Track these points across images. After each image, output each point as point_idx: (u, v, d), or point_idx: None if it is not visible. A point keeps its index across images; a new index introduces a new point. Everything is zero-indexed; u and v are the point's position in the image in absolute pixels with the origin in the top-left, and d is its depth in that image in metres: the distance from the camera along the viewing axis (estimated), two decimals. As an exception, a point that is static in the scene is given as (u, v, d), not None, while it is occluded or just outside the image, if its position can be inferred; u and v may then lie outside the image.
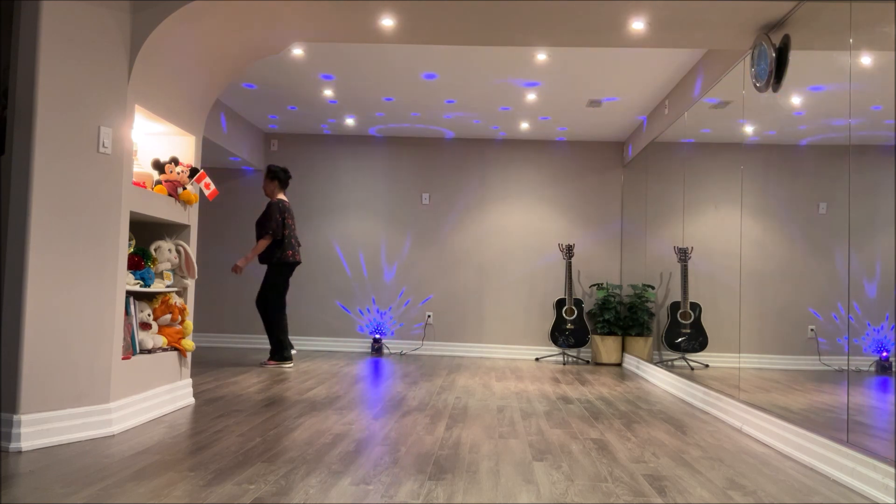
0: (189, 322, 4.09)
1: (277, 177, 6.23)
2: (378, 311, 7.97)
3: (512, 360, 7.60)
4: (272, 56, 5.27)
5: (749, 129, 4.17)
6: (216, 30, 3.80)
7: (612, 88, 5.94)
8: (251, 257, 6.03)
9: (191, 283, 4.15)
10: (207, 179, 4.12)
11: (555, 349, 7.78)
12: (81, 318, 3.20)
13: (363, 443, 3.26)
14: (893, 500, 2.47)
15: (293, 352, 6.29)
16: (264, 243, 5.99)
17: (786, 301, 3.63)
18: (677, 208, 5.50)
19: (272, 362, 6.13)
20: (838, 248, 3.05)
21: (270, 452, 3.01)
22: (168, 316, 3.90)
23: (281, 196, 6.24)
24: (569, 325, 7.48)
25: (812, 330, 3.35)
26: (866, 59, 2.89)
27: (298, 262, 6.18)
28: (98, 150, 3.27)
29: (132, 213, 3.53)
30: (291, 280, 7.96)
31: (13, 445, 2.93)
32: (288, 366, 6.15)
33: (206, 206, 7.99)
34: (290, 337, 7.75)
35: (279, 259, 6.05)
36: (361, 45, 5.12)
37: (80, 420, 3.16)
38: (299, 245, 6.25)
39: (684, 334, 5.35)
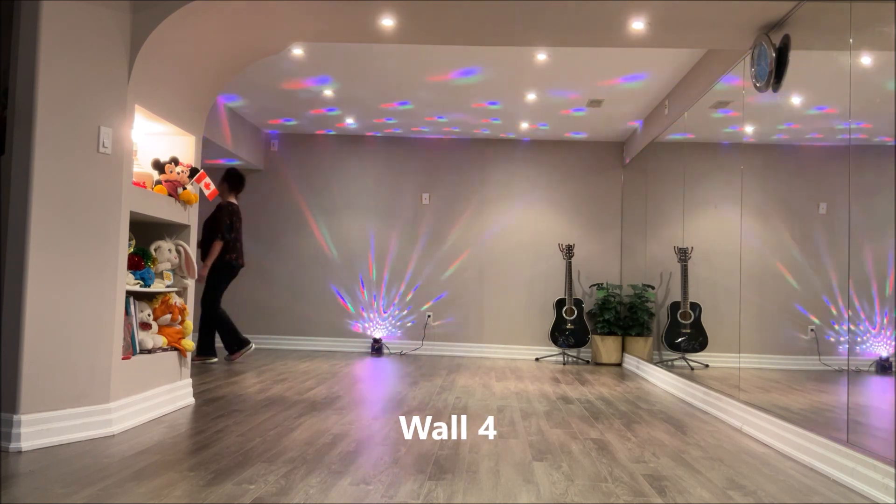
0: (189, 322, 4.09)
1: (228, 179, 6.34)
2: (378, 311, 7.97)
3: (512, 360, 7.60)
4: (272, 56, 5.27)
5: (749, 129, 4.17)
6: (216, 30, 3.80)
7: (613, 88, 5.94)
8: (209, 263, 6.11)
9: (191, 283, 4.15)
10: (207, 179, 4.12)
11: (555, 349, 7.78)
12: (81, 318, 3.20)
13: (363, 443, 3.26)
14: (893, 500, 2.47)
15: (251, 346, 6.43)
16: (218, 246, 6.10)
17: (786, 301, 3.64)
18: (677, 208, 5.50)
19: (199, 358, 6.23)
20: (838, 249, 3.05)
21: (270, 452, 3.01)
22: (168, 316, 3.90)
23: (231, 199, 6.34)
24: (569, 325, 7.48)
25: (812, 330, 3.36)
26: (866, 59, 2.89)
27: (240, 266, 6.29)
28: (98, 150, 3.27)
29: (132, 213, 3.53)
30: (290, 279, 7.98)
31: (13, 445, 2.93)
32: (249, 349, 6.36)
33: (207, 206, 7.98)
34: (288, 337, 7.82)
35: (224, 261, 6.16)
36: (361, 45, 5.12)
37: (80, 420, 3.16)
38: (243, 247, 6.40)
39: (684, 334, 5.35)
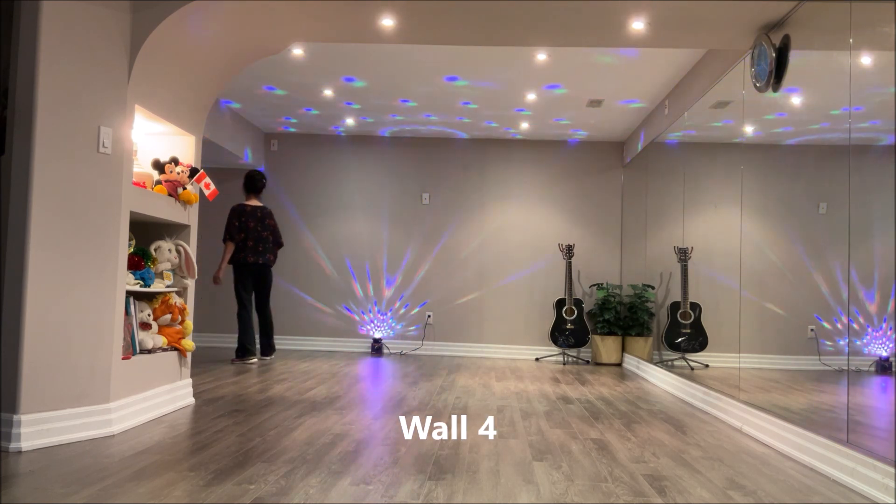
0: (189, 322, 4.09)
1: (244, 182, 6.58)
2: (378, 311, 7.97)
3: (512, 360, 7.60)
4: (272, 56, 5.27)
5: (749, 129, 4.17)
6: (216, 30, 3.80)
7: (612, 88, 5.94)
8: (222, 264, 6.32)
9: (191, 283, 4.15)
10: (207, 179, 4.12)
11: (555, 349, 7.78)
12: (81, 318, 3.20)
13: (363, 443, 3.26)
14: (893, 500, 2.47)
15: (253, 360, 6.42)
16: (227, 248, 6.36)
17: (786, 301, 3.64)
18: (677, 208, 5.50)
19: (259, 359, 6.51)
20: (838, 248, 3.05)
21: (270, 452, 3.01)
22: (168, 316, 3.90)
23: (251, 201, 6.49)
24: (569, 325, 7.48)
25: (812, 330, 3.36)
26: (866, 59, 2.89)
27: (252, 263, 6.36)
28: (98, 150, 3.27)
29: (132, 213, 3.53)
30: (290, 279, 7.97)
31: (13, 445, 2.93)
32: (251, 361, 6.39)
33: (206, 206, 7.98)
34: (288, 337, 7.83)
35: (234, 260, 6.38)
36: (361, 45, 5.12)
37: (80, 420, 3.16)
38: (265, 246, 6.42)
39: (684, 334, 5.35)
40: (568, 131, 7.54)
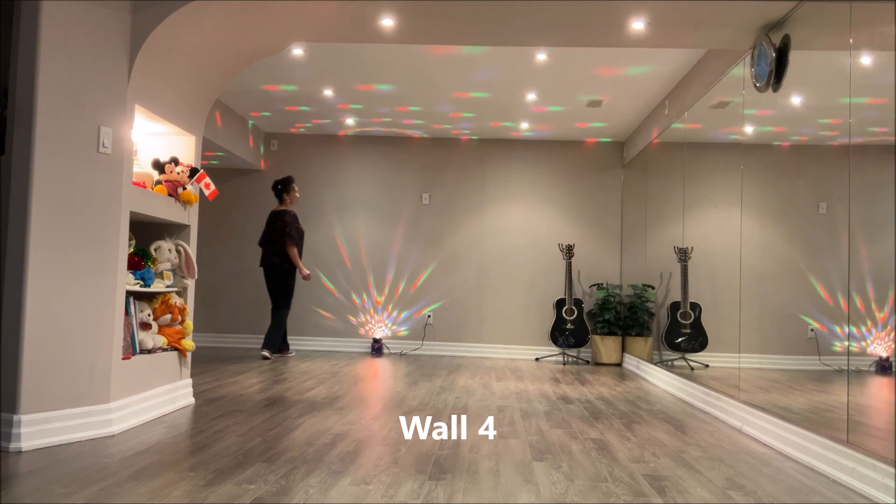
0: (189, 322, 4.09)
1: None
2: (378, 311, 7.97)
3: (512, 360, 7.60)
4: (272, 56, 5.27)
5: (749, 129, 4.17)
6: (216, 30, 3.80)
7: (613, 88, 5.94)
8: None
9: (191, 283, 4.15)
10: (207, 179, 4.12)
11: (555, 349, 7.78)
12: (81, 318, 3.20)
13: (363, 443, 3.26)
14: (893, 500, 2.47)
15: (265, 353, 6.74)
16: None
17: (786, 301, 3.64)
18: (677, 208, 5.50)
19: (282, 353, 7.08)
20: (838, 248, 3.05)
21: (270, 452, 3.01)
22: (168, 316, 3.90)
23: (280, 206, 6.94)
24: (569, 325, 7.48)
25: (812, 330, 3.36)
26: (866, 59, 2.89)
27: (261, 266, 6.88)
28: (98, 150, 3.27)
29: (132, 213, 3.53)
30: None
31: (13, 445, 2.93)
32: (265, 354, 6.75)
33: (206, 206, 7.99)
34: (288, 337, 7.89)
35: None
36: (362, 45, 5.12)
37: (80, 420, 3.16)
38: (272, 248, 6.79)
39: (684, 334, 5.35)
40: (568, 131, 7.54)
